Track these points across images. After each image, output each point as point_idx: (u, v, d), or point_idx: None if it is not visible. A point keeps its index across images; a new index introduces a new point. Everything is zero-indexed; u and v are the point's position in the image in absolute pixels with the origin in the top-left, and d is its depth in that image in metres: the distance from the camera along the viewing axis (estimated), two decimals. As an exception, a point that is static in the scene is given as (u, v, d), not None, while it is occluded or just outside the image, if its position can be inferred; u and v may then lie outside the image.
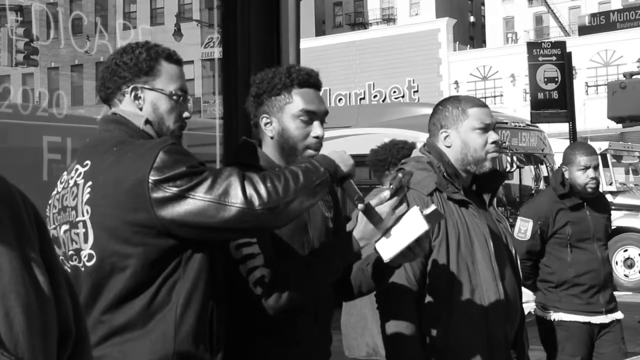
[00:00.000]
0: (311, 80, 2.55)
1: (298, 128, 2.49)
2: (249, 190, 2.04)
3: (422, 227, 2.32)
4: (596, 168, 4.75)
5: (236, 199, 2.03)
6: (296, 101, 2.50)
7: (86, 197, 2.14)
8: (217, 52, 4.84)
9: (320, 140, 2.52)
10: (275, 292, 2.32)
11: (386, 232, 2.34)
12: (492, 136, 2.98)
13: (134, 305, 2.09)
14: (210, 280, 2.17)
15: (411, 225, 2.33)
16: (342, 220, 2.75)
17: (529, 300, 4.74)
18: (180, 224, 2.05)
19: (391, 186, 2.33)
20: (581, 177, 4.73)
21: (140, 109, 2.28)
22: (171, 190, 2.03)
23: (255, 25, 4.05)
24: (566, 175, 4.79)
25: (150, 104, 2.28)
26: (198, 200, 2.03)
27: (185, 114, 2.33)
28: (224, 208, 2.03)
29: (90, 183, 2.14)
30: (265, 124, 2.53)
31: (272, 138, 2.53)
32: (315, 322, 2.50)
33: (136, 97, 2.27)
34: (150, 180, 2.03)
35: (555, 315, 4.79)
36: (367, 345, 4.42)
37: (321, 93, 2.61)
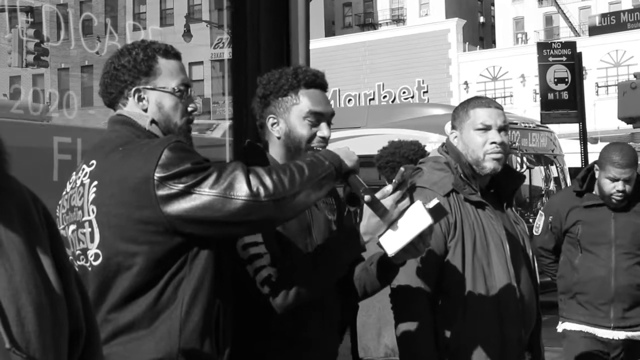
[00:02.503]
0: (318, 81, 2.56)
1: (305, 129, 2.50)
2: (254, 183, 2.05)
3: (426, 221, 2.32)
4: (628, 181, 4.24)
5: (241, 191, 2.04)
6: (303, 102, 2.51)
7: (92, 196, 2.14)
8: (226, 53, 4.85)
9: (326, 141, 2.53)
10: (283, 291, 2.33)
11: (390, 226, 2.34)
12: (492, 137, 2.94)
13: (140, 304, 2.10)
14: (216, 278, 2.17)
15: (415, 220, 2.32)
16: (344, 223, 2.75)
17: None
18: (186, 220, 2.05)
19: (394, 180, 2.33)
20: (608, 186, 4.28)
21: (145, 110, 2.27)
22: (177, 187, 2.03)
23: (265, 25, 4.05)
24: (596, 175, 4.36)
25: (155, 103, 2.27)
26: (204, 195, 2.03)
27: (191, 107, 2.33)
28: (229, 201, 2.03)
29: (95, 182, 2.14)
30: (272, 125, 2.54)
31: (278, 138, 2.54)
32: (322, 324, 2.50)
33: (140, 99, 2.27)
34: (155, 178, 2.03)
35: (561, 325, 4.48)
36: (386, 347, 4.40)
37: (330, 94, 2.62)
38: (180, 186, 2.04)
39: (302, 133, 2.50)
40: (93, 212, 2.13)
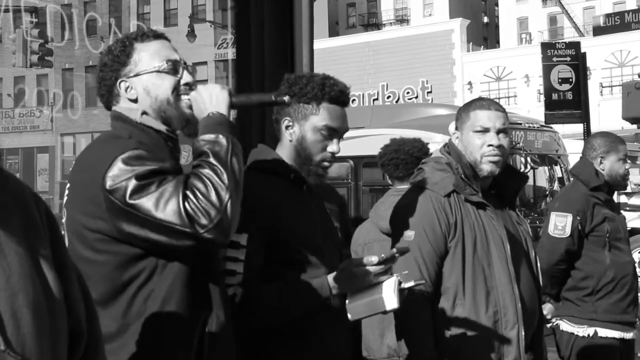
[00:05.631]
0: (342, 98, 2.59)
1: (317, 141, 2.53)
2: (191, 210, 1.93)
3: (392, 304, 2.38)
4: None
5: (177, 220, 1.93)
6: (322, 115, 2.54)
7: (65, 198, 2.12)
8: (230, 53, 4.85)
9: (334, 156, 2.56)
10: (242, 315, 2.35)
11: (359, 292, 2.41)
12: (490, 139, 2.94)
13: (109, 314, 2.03)
14: (193, 287, 2.08)
15: (383, 297, 2.39)
16: (349, 229, 2.78)
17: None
18: (129, 236, 1.98)
19: (382, 255, 2.39)
20: (622, 168, 4.30)
21: (135, 100, 2.20)
22: (119, 201, 1.96)
23: (269, 25, 4.06)
24: (604, 165, 4.32)
25: (143, 89, 2.20)
26: (142, 216, 1.95)
27: (185, 80, 2.22)
28: (164, 227, 1.94)
29: (69, 185, 2.12)
30: (287, 127, 2.58)
31: (290, 141, 2.58)
32: (332, 324, 2.51)
33: (127, 89, 2.21)
34: (105, 189, 1.97)
35: (590, 330, 4.20)
36: (389, 347, 4.40)
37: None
38: (122, 200, 1.96)
39: (313, 144, 2.54)
40: (64, 215, 2.11)
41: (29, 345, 1.29)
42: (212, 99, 2.14)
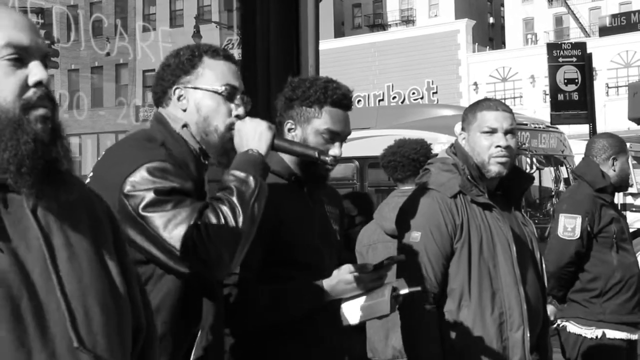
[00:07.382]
0: (344, 102, 2.59)
1: (319, 144, 2.54)
2: (196, 243, 1.93)
3: (385, 310, 2.43)
4: None
5: (181, 246, 1.93)
6: (324, 118, 2.55)
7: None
8: (236, 54, 4.85)
9: (336, 159, 2.56)
10: (236, 317, 2.36)
11: (353, 298, 2.45)
12: (498, 140, 2.94)
13: None
14: (189, 304, 2.06)
15: (377, 303, 2.43)
16: (348, 234, 2.79)
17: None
18: (131, 242, 1.96)
19: (383, 260, 2.43)
20: (628, 168, 4.32)
21: (185, 110, 2.19)
22: (132, 208, 1.96)
23: (275, 26, 4.06)
24: (617, 166, 4.31)
25: (194, 103, 2.18)
26: (149, 230, 1.95)
27: (237, 112, 2.20)
28: (169, 250, 1.94)
29: (91, 174, 2.12)
30: (289, 130, 2.59)
31: None
32: (332, 323, 2.52)
33: (179, 98, 2.20)
34: (123, 192, 1.97)
35: (598, 332, 4.19)
36: (394, 348, 4.39)
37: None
38: (134, 209, 1.96)
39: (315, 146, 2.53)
40: None
41: (100, 342, 1.35)
42: (255, 135, 2.15)
